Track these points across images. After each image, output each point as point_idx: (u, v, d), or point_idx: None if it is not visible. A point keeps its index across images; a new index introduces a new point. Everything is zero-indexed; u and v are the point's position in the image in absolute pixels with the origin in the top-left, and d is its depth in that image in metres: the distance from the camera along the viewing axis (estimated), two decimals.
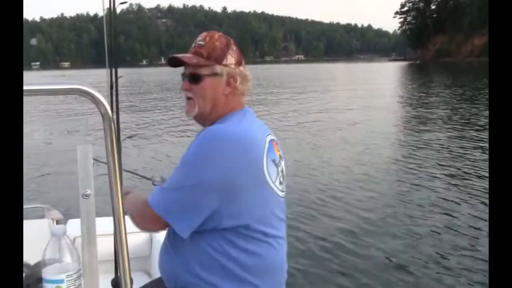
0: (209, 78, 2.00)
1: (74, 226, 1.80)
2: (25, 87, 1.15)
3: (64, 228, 1.38)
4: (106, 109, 1.18)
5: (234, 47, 2.06)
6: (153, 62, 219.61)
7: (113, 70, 2.87)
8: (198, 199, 1.83)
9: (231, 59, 2.03)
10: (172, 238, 1.98)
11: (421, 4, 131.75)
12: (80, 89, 1.16)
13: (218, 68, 2.00)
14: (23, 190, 1.21)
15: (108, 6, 2.82)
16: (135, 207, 1.96)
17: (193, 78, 2.01)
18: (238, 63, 2.05)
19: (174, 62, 2.04)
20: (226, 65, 2.01)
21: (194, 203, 1.84)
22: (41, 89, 1.18)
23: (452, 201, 8.35)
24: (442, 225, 7.11)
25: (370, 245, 6.41)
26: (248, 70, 2.06)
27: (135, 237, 3.73)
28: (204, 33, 2.07)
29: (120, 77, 2.85)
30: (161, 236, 3.75)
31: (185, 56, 2.01)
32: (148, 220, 1.94)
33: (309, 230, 6.90)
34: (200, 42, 2.03)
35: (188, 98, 2.04)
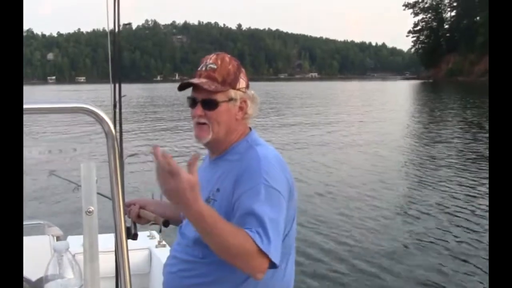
0: (225, 104, 1.92)
1: (74, 243, 1.80)
2: (31, 106, 1.17)
3: (66, 244, 1.39)
4: (109, 128, 1.19)
5: (243, 70, 2.01)
6: (167, 78, 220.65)
7: (117, 87, 2.82)
8: (282, 224, 1.79)
9: (242, 82, 1.98)
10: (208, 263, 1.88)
11: (434, 24, 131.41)
12: (84, 108, 1.18)
13: (233, 93, 1.94)
14: (24, 207, 1.22)
15: (112, 25, 2.84)
16: (243, 250, 1.66)
17: (208, 104, 1.91)
18: (247, 86, 2.01)
19: (184, 86, 1.96)
20: (239, 90, 1.96)
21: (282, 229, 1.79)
22: (46, 107, 1.20)
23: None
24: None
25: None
26: (262, 87, 1.97)
27: (135, 254, 3.76)
28: (213, 55, 1.97)
29: (124, 95, 2.80)
30: (161, 253, 3.76)
31: (202, 82, 1.90)
32: (263, 269, 1.70)
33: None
34: (211, 66, 1.92)
35: (201, 124, 1.93)
